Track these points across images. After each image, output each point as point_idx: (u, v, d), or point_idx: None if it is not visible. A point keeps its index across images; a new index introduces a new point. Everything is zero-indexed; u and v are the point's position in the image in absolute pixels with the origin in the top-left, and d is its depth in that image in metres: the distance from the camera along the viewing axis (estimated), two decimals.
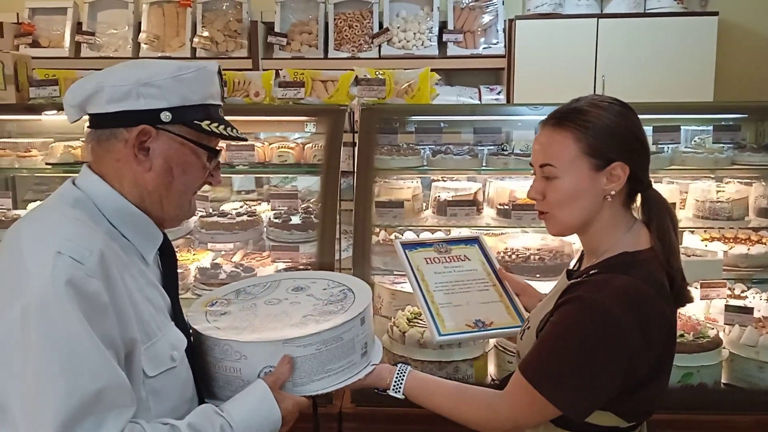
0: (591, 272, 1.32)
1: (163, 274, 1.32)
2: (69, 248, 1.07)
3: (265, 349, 1.30)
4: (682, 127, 2.37)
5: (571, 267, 1.49)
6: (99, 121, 1.21)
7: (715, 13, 3.96)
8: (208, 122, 1.24)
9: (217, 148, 1.30)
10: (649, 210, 1.36)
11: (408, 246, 1.79)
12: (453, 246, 1.84)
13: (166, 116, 1.19)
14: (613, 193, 1.32)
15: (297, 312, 1.42)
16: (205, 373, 1.34)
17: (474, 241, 1.88)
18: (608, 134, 1.30)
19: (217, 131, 1.24)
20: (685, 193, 2.61)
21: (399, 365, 1.47)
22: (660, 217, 1.35)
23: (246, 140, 1.42)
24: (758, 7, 4.33)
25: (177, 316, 1.31)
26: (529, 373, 1.27)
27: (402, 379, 1.44)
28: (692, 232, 2.52)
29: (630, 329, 1.21)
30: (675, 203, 2.42)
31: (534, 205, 2.40)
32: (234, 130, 1.29)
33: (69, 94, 1.22)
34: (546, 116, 1.38)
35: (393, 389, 1.44)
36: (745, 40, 4.31)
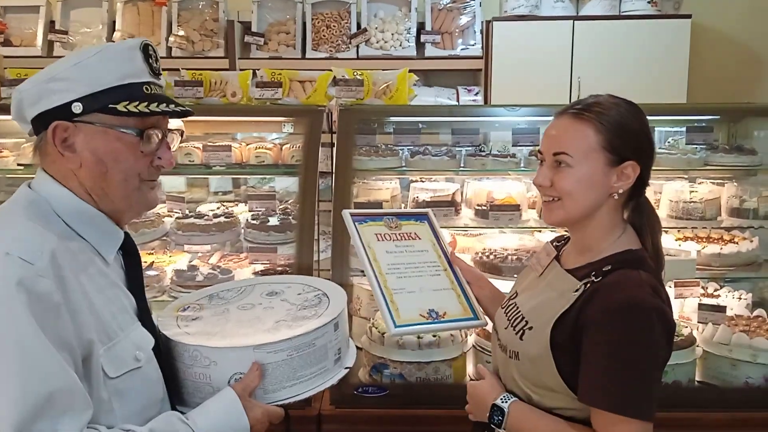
0: (603, 269, 1.31)
1: (127, 274, 1.29)
2: (18, 249, 1.05)
3: (235, 355, 1.28)
4: (656, 129, 2.41)
5: (542, 265, 1.47)
6: (34, 128, 1.20)
7: (688, 16, 4.03)
8: (125, 103, 1.17)
9: (164, 127, 1.24)
10: (641, 213, 1.39)
11: (358, 219, 1.69)
12: (403, 221, 1.76)
13: (77, 107, 1.15)
14: (620, 191, 1.34)
15: (270, 317, 1.40)
16: (175, 379, 1.32)
17: (424, 217, 1.81)
18: (626, 132, 1.32)
19: (136, 110, 1.17)
20: (659, 193, 2.64)
21: (502, 397, 1.39)
22: (652, 221, 1.39)
23: (190, 113, 1.28)
24: (730, 10, 4.40)
25: (143, 316, 1.28)
26: (616, 404, 1.21)
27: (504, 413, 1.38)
28: (666, 231, 2.55)
29: (671, 316, 1.27)
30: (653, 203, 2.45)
31: (509, 206, 2.46)
32: (166, 105, 1.21)
33: (11, 108, 1.21)
34: (563, 108, 1.38)
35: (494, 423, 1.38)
36: (717, 42, 4.39)
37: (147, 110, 1.18)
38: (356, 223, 1.68)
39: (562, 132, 1.34)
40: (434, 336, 2.07)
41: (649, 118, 1.37)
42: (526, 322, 1.39)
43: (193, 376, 1.30)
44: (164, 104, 1.21)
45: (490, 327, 1.65)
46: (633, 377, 1.22)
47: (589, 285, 1.30)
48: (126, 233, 1.29)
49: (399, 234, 1.72)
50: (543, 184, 1.36)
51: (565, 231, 1.52)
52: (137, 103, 1.18)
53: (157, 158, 1.24)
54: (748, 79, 4.45)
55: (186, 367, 1.30)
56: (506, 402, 1.38)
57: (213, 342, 1.30)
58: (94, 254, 1.20)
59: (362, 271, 2.37)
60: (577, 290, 1.31)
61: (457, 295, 1.64)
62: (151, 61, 1.23)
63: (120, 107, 1.16)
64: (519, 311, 1.44)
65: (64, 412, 1.02)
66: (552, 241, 1.57)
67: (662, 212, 2.60)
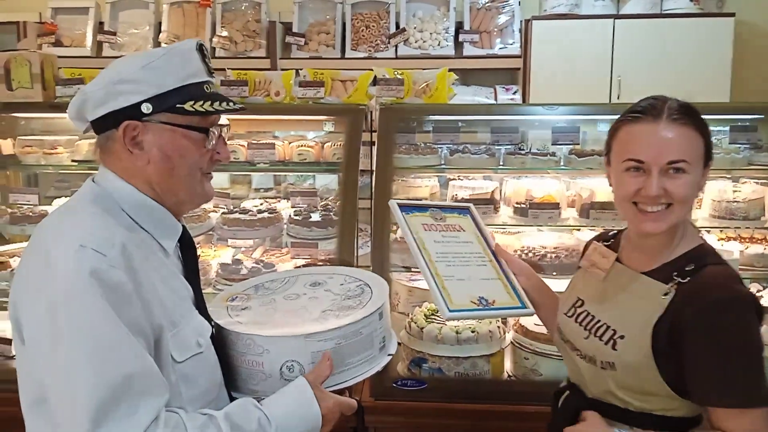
0: (686, 268, 1.31)
1: (185, 265, 1.35)
2: (91, 241, 1.11)
3: (288, 343, 1.32)
4: None
5: (603, 268, 1.45)
6: (95, 128, 1.26)
7: (732, 14, 3.96)
8: (191, 102, 1.23)
9: (218, 123, 1.30)
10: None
11: (404, 208, 1.71)
12: (447, 213, 1.77)
13: (146, 108, 1.21)
14: (702, 193, 1.37)
15: (316, 307, 1.45)
16: (229, 366, 1.37)
17: (466, 210, 1.82)
18: (710, 133, 1.35)
19: (202, 109, 1.23)
20: (701, 192, 2.62)
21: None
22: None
23: (244, 109, 1.36)
24: None
25: (200, 305, 1.34)
26: (739, 400, 1.22)
27: None
28: (708, 231, 2.53)
29: (760, 304, 1.29)
30: None
31: (549, 204, 2.47)
32: (226, 103, 1.28)
33: (69, 108, 1.27)
34: (642, 110, 1.35)
35: None
36: (761, 40, 4.30)
37: (212, 109, 1.25)
38: (403, 213, 1.69)
39: (675, 138, 1.30)
40: (472, 332, 2.09)
41: None
42: (615, 332, 1.35)
43: (246, 364, 1.35)
44: (225, 102, 1.28)
45: (536, 318, 1.69)
46: (748, 369, 1.23)
47: (677, 286, 1.30)
48: (183, 226, 1.35)
49: (444, 225, 1.73)
50: (659, 194, 1.30)
51: (605, 228, 1.51)
52: (201, 102, 1.24)
53: (216, 153, 1.31)
54: None
55: (239, 355, 1.35)
56: None
57: (265, 331, 1.34)
58: (156, 246, 1.26)
59: (404, 267, 2.45)
60: (665, 294, 1.30)
61: (504, 285, 1.64)
62: (206, 60, 1.29)
63: (187, 107, 1.23)
64: (598, 320, 1.41)
65: (142, 395, 1.07)
66: (597, 240, 1.56)
67: (705, 212, 2.58)
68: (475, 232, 1.77)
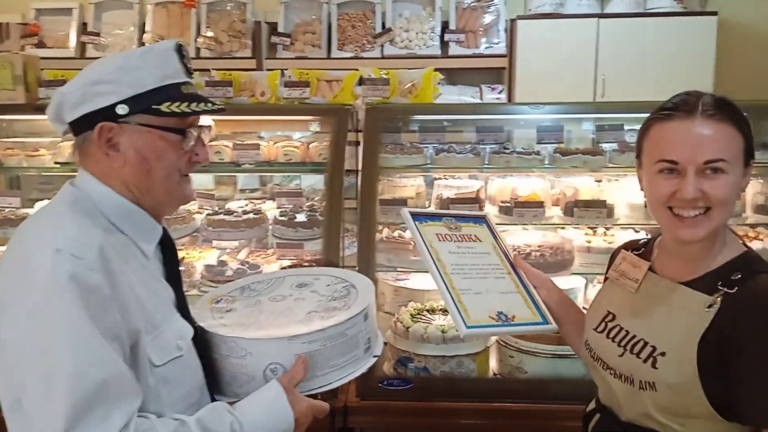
0: (732, 277, 1.20)
1: (166, 267, 1.35)
2: (68, 245, 1.11)
3: (271, 345, 1.32)
4: None
5: (635, 278, 1.36)
6: (74, 129, 1.25)
7: (714, 13, 3.99)
8: (168, 103, 1.22)
9: (198, 124, 1.29)
10: None
11: (417, 218, 1.62)
12: (462, 223, 1.67)
13: (122, 109, 1.20)
14: (743, 192, 1.27)
15: (301, 308, 1.44)
16: (212, 369, 1.36)
17: (482, 220, 1.73)
18: (750, 128, 1.24)
19: (179, 110, 1.22)
20: (743, 194, 2.62)
21: None
22: None
23: (224, 110, 1.34)
24: (757, 6, 4.36)
25: (182, 307, 1.33)
26: None
27: None
28: None
29: None
30: None
31: (533, 202, 2.48)
32: (204, 104, 1.26)
33: (47, 110, 1.26)
34: (675, 106, 1.26)
35: None
36: (744, 38, 4.34)
37: (189, 110, 1.24)
38: (416, 222, 1.60)
39: (711, 135, 1.20)
40: (457, 330, 2.10)
41: None
42: (654, 348, 1.24)
43: (229, 366, 1.34)
44: (202, 103, 1.27)
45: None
46: None
47: (722, 298, 1.19)
48: (164, 228, 1.34)
49: (459, 235, 1.64)
50: (697, 196, 1.20)
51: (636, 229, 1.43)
52: (178, 103, 1.23)
53: (194, 155, 1.30)
54: None
55: (223, 358, 1.35)
56: None
57: (248, 333, 1.34)
58: (135, 248, 1.25)
59: (390, 267, 2.45)
60: (710, 306, 1.20)
61: (524, 299, 1.54)
62: (185, 61, 1.28)
63: (163, 108, 1.22)
64: (633, 335, 1.30)
65: (116, 400, 1.07)
66: (626, 248, 1.45)
67: None
68: (492, 243, 1.67)
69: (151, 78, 1.22)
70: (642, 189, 1.34)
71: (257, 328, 1.36)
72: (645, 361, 1.25)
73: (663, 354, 1.23)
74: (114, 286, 1.13)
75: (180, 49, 1.27)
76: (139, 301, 1.18)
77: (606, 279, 1.48)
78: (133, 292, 1.18)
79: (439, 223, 1.64)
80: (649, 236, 1.48)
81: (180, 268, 1.40)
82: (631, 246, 1.45)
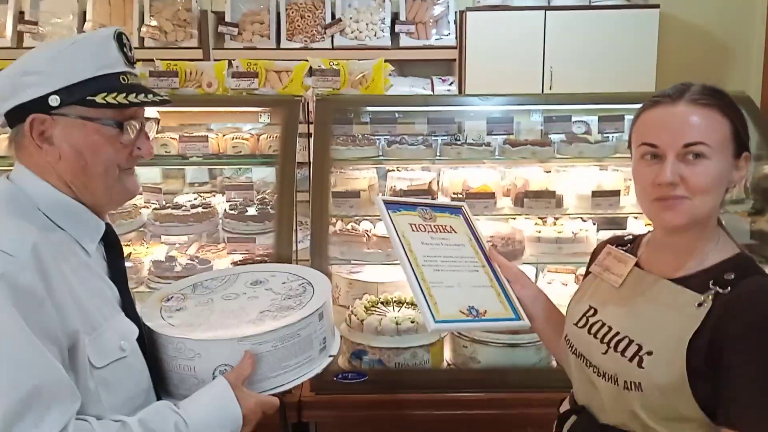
0: (725, 277, 1.15)
1: (110, 265, 1.29)
2: None
3: (220, 347, 1.28)
4: (625, 117, 2.46)
5: (619, 273, 1.31)
6: (8, 121, 1.19)
7: (657, 6, 4.12)
8: (104, 95, 1.16)
9: (141, 116, 1.23)
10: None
11: (391, 206, 1.54)
12: (438, 213, 1.61)
13: (54, 100, 1.14)
14: (735, 186, 1.21)
15: (254, 307, 1.40)
16: (160, 371, 1.32)
17: (458, 210, 1.66)
18: (744, 120, 1.20)
19: (115, 102, 1.16)
20: (629, 180, 2.70)
21: None
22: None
23: (167, 101, 1.27)
24: (698, 0, 4.51)
25: (127, 306, 1.28)
26: None
27: None
28: (636, 218, 2.62)
29: None
30: (620, 190, 2.52)
31: (484, 194, 2.50)
32: (144, 95, 1.20)
33: None
34: (671, 92, 1.23)
35: None
36: (685, 32, 4.49)
37: (126, 101, 1.18)
38: (389, 211, 1.53)
39: (693, 119, 1.16)
40: (412, 322, 2.10)
41: (618, 107, 1.35)
42: (639, 347, 1.19)
43: (177, 368, 1.30)
44: (143, 94, 1.21)
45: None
46: None
47: (714, 298, 1.14)
48: (107, 224, 1.29)
49: (434, 226, 1.57)
50: (673, 181, 1.15)
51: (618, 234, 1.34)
52: (116, 94, 1.17)
53: (136, 149, 1.24)
54: (716, 68, 4.56)
55: (170, 359, 1.30)
56: None
57: (197, 334, 1.29)
58: (75, 246, 1.20)
59: (344, 260, 2.43)
60: (700, 304, 1.15)
61: (497, 294, 1.49)
62: (125, 50, 1.22)
63: (98, 99, 1.16)
64: (616, 331, 1.25)
65: (50, 405, 1.02)
66: (611, 243, 1.41)
67: (633, 199, 2.66)
68: (468, 234, 1.61)
69: (86, 68, 1.16)
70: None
71: (206, 329, 1.32)
72: (630, 360, 1.19)
73: (650, 353, 1.17)
74: (49, 286, 1.07)
75: (120, 37, 1.21)
76: (77, 301, 1.13)
77: (588, 273, 1.44)
78: (71, 291, 1.12)
79: (414, 213, 1.57)
80: (634, 234, 1.43)
81: (126, 265, 1.34)
82: (616, 241, 1.41)
